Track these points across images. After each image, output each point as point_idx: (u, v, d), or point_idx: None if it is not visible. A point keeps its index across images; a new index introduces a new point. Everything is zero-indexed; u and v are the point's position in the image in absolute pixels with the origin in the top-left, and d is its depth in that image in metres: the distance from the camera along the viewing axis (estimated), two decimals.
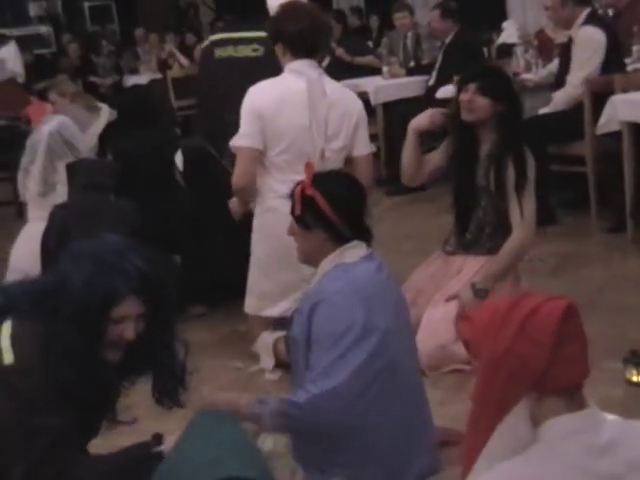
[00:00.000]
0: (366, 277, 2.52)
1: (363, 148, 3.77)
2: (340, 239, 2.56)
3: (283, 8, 3.73)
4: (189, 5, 14.48)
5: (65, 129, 5.00)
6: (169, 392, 2.28)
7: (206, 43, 4.63)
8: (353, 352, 2.40)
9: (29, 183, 5.09)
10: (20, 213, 7.24)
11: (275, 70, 3.80)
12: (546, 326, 1.57)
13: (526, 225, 3.66)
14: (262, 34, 4.15)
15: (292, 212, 2.62)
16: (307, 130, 3.60)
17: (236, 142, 3.65)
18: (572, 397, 1.60)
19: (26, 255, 4.61)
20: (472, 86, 3.72)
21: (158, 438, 2.15)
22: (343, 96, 3.72)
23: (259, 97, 3.63)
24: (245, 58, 4.34)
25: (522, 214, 3.65)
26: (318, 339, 2.45)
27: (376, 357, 2.43)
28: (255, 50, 4.34)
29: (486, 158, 3.75)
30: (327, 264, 2.56)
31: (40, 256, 4.57)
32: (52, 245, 4.53)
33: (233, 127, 3.74)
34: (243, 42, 4.35)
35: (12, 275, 4.71)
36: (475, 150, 3.79)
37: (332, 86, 3.70)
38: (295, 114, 3.59)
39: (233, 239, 4.12)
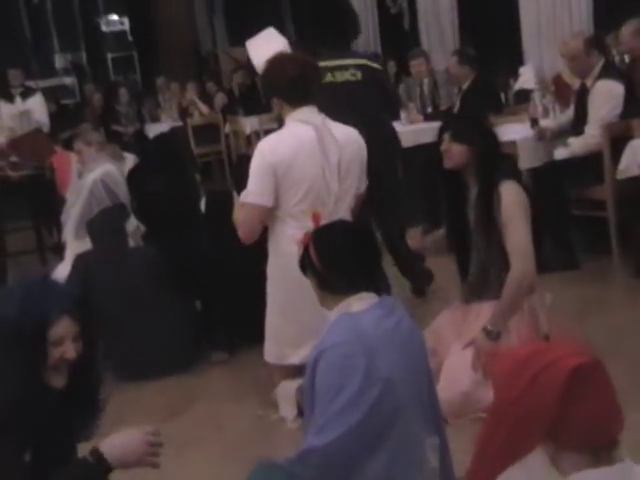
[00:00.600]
0: (371, 325, 2.50)
1: (364, 183, 3.86)
2: (333, 289, 2.59)
3: (270, 63, 3.76)
4: (210, 54, 14.68)
5: (109, 178, 5.10)
6: (90, 420, 2.31)
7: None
8: (353, 406, 2.40)
9: (68, 224, 5.18)
10: (44, 261, 7.31)
11: (376, 92, 4.39)
12: (553, 384, 1.56)
13: (517, 257, 3.66)
14: (357, 61, 4.72)
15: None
16: (321, 177, 3.63)
17: (247, 198, 3.64)
18: (597, 454, 1.56)
19: None
20: (446, 135, 3.84)
21: (96, 452, 2.15)
22: (350, 137, 3.77)
23: (272, 153, 3.61)
24: (346, 82, 4.70)
25: (510, 248, 3.66)
26: (320, 391, 2.45)
27: (378, 407, 2.42)
28: (354, 75, 4.73)
29: (475, 200, 3.80)
30: (334, 313, 2.58)
31: None
32: None
33: None
34: (340, 69, 4.70)
35: None
36: (464, 194, 3.87)
37: (337, 128, 3.74)
38: (309, 164, 3.62)
39: (254, 285, 4.13)
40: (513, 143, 5.59)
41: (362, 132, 3.82)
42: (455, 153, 3.80)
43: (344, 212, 3.65)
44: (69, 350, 2.16)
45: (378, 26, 11.85)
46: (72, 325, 2.17)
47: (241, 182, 3.81)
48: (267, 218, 3.69)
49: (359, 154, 3.77)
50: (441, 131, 3.89)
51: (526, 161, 5.64)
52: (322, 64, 4.36)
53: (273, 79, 3.72)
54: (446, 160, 3.84)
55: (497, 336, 3.62)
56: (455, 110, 7.05)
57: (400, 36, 11.11)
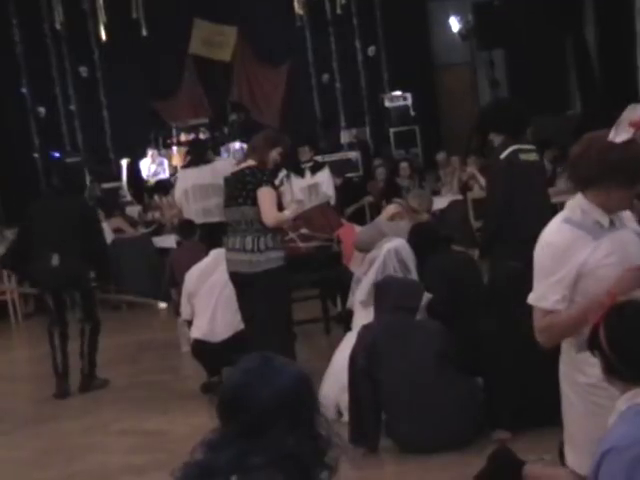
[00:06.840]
0: None
1: None
2: (621, 376, 2.41)
3: None
4: None
5: (404, 249, 5.23)
6: None
7: (508, 152, 5.42)
8: None
9: (357, 291, 5.34)
10: (327, 330, 7.54)
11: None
12: None
13: None
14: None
15: None
16: None
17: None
18: None
19: (344, 367, 4.80)
20: None
21: None
22: None
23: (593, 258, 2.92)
24: (535, 162, 5.59)
25: None
26: None
27: None
28: (537, 155, 5.62)
29: None
30: (622, 402, 2.39)
31: (348, 371, 4.72)
32: (360, 364, 4.65)
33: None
34: (526, 151, 5.52)
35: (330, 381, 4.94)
36: None
37: None
38: None
39: (543, 365, 3.97)
40: None
41: None
42: None
43: None
44: None
45: None
46: None
47: None
48: None
49: None
50: None
51: None
52: (517, 147, 5.33)
53: None
54: None
55: None
56: None
57: None
